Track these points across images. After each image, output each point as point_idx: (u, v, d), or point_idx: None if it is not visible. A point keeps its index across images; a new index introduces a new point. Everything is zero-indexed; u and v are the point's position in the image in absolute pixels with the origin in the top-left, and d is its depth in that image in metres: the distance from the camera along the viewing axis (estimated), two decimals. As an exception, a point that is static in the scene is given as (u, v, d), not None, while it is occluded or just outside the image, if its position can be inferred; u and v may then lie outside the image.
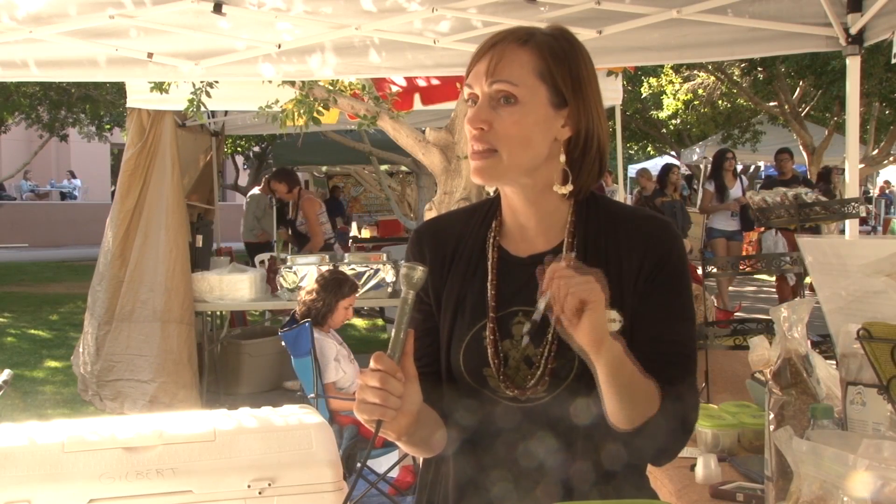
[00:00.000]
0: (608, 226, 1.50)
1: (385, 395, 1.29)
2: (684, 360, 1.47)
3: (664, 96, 16.76)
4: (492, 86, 1.44)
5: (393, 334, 1.34)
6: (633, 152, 22.42)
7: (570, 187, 1.48)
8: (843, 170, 5.08)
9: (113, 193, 6.75)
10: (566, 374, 1.44)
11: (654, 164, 21.59)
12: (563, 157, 1.47)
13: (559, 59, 1.46)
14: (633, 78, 14.76)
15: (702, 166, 16.97)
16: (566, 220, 1.51)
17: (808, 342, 1.64)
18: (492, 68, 1.44)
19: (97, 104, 14.53)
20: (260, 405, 2.68)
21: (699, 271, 3.73)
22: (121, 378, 6.25)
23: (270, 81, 4.78)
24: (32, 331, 10.08)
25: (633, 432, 1.39)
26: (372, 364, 1.31)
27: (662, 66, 14.83)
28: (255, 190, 9.98)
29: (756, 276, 12.14)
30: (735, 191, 9.96)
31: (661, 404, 1.41)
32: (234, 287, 6.42)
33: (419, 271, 1.34)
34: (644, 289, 1.45)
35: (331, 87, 5.00)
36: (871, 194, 22.28)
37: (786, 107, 13.64)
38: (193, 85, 5.06)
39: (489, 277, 1.51)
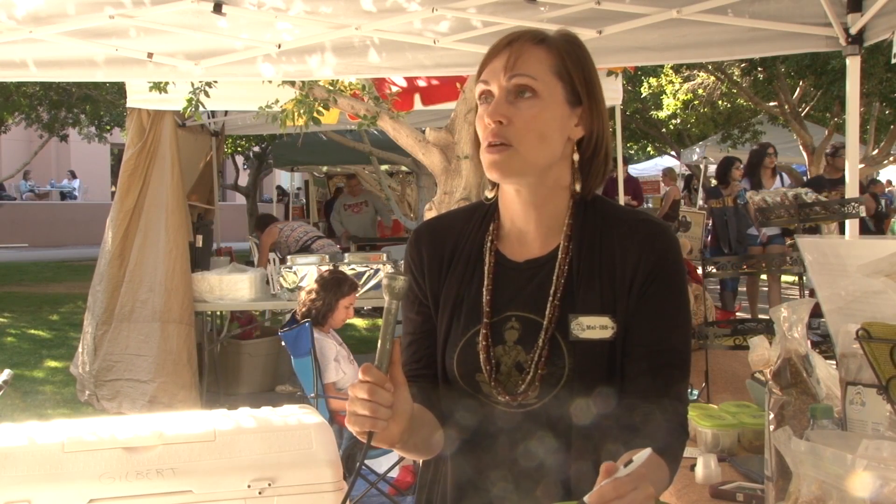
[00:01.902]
0: (604, 229, 1.50)
1: (374, 406, 1.29)
2: (681, 363, 1.48)
3: (664, 96, 16.73)
4: (511, 80, 1.45)
5: (379, 344, 1.33)
6: (632, 152, 22.40)
7: (578, 185, 1.49)
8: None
9: (113, 193, 6.75)
10: (557, 380, 1.44)
11: (655, 164, 21.62)
12: (576, 156, 1.49)
13: (574, 59, 1.48)
14: (633, 78, 14.74)
15: (702, 166, 16.95)
16: (563, 223, 1.51)
17: (808, 342, 1.64)
18: (511, 63, 1.45)
19: (97, 104, 14.52)
20: (260, 405, 2.68)
21: (699, 271, 3.73)
22: (120, 378, 6.25)
23: (270, 81, 4.78)
24: (32, 331, 10.08)
25: (633, 432, 1.39)
26: (360, 375, 1.31)
27: (662, 66, 14.81)
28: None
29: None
30: None
31: (661, 404, 1.42)
32: (233, 287, 6.43)
33: (401, 280, 1.34)
34: (639, 293, 1.45)
35: (331, 87, 5.00)
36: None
37: (786, 107, 13.62)
38: (192, 84, 5.06)
39: (485, 282, 1.51)
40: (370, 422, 1.30)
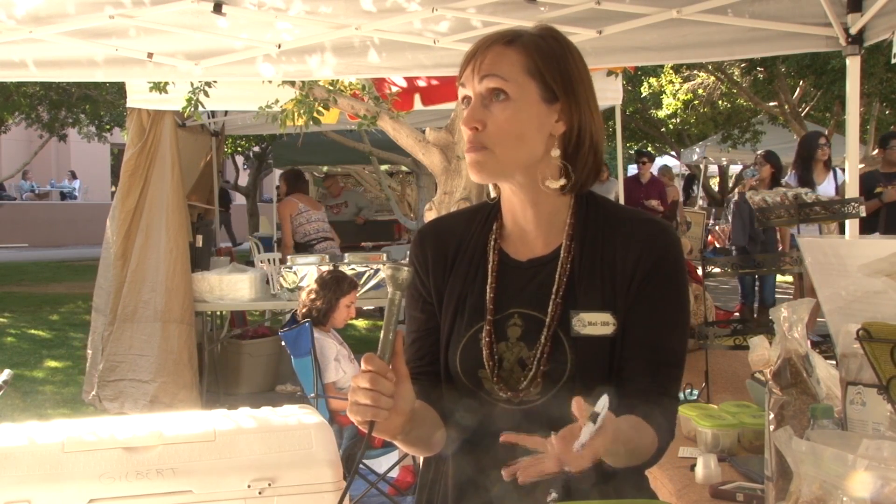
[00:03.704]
0: (606, 228, 1.51)
1: (376, 395, 1.30)
2: (678, 362, 1.49)
3: (664, 96, 16.74)
4: (482, 82, 1.46)
5: (382, 335, 1.34)
6: (633, 152, 22.41)
7: (562, 182, 1.49)
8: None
9: (113, 193, 6.75)
10: (559, 377, 1.45)
11: (655, 164, 21.59)
12: (556, 152, 1.49)
13: (546, 56, 1.47)
14: (633, 78, 14.75)
15: (702, 166, 16.95)
16: (565, 223, 1.52)
17: (808, 342, 1.64)
18: (479, 66, 1.46)
19: (97, 104, 14.53)
20: (260, 405, 2.68)
21: (699, 271, 3.74)
22: (123, 378, 6.26)
23: (270, 81, 4.78)
24: (32, 331, 10.07)
25: (634, 432, 1.40)
26: (362, 365, 1.32)
27: (662, 66, 14.82)
28: None
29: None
30: (825, 187, 7.30)
31: (661, 403, 1.43)
32: (233, 287, 6.43)
33: (405, 272, 1.35)
34: (639, 292, 1.46)
35: (331, 87, 5.00)
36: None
37: (786, 107, 13.63)
38: (192, 84, 5.06)
39: (489, 280, 1.52)
40: (372, 411, 1.30)
